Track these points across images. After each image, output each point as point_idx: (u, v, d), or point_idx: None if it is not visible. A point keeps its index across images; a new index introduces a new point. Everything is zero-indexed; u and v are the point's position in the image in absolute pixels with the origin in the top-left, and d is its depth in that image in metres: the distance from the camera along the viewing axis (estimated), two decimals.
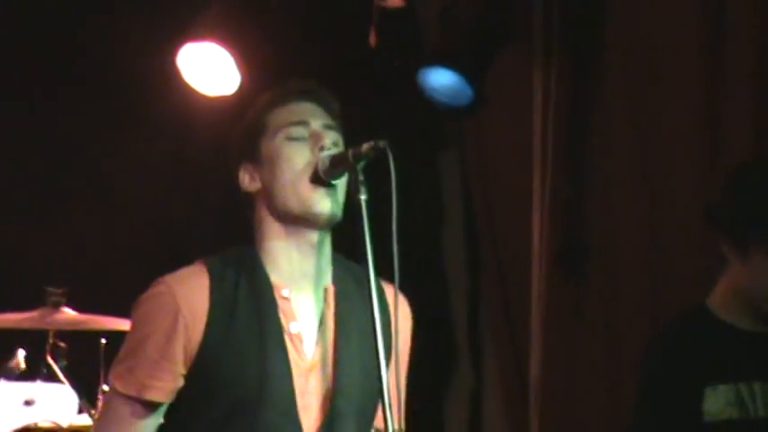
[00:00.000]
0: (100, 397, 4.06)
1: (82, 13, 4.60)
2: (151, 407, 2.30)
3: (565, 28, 4.43)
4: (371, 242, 2.26)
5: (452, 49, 4.41)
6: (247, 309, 2.34)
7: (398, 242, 2.27)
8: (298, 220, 2.34)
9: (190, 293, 2.30)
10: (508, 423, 4.69)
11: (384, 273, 2.34)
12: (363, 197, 2.26)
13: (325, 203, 2.31)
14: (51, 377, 4.13)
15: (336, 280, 2.43)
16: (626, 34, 4.30)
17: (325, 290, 2.41)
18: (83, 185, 4.74)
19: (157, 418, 2.32)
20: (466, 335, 4.93)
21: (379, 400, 2.28)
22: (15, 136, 4.66)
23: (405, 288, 2.37)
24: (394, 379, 2.33)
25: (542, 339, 4.45)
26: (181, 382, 2.29)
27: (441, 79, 4.40)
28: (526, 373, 4.57)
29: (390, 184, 2.25)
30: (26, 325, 4.25)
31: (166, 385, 2.27)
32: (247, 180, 2.40)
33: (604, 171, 4.47)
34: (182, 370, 2.28)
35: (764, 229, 3.08)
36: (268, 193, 2.36)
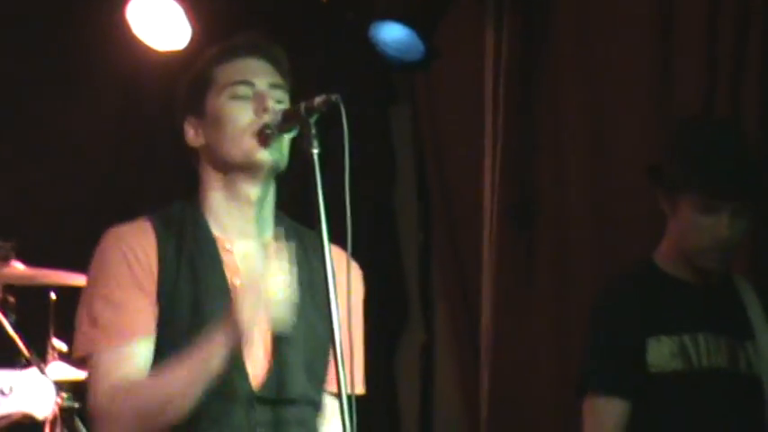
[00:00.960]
0: (49, 351, 4.08)
1: None
2: (142, 344, 2.35)
3: None
4: (323, 196, 2.28)
5: (404, 4, 4.41)
6: (192, 264, 2.39)
7: (350, 197, 2.31)
8: (239, 171, 2.38)
9: (139, 246, 2.36)
10: (460, 373, 4.79)
11: (336, 228, 2.36)
12: (315, 151, 2.28)
13: (267, 153, 2.35)
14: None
15: (278, 235, 2.45)
16: None
17: (267, 244, 2.44)
18: (31, 136, 4.72)
19: (150, 349, 2.37)
20: (417, 290, 5.01)
21: (329, 359, 2.34)
22: None
23: (357, 244, 2.38)
24: (347, 340, 2.36)
25: (493, 289, 4.54)
26: (155, 311, 2.35)
27: (392, 34, 4.42)
28: (477, 326, 4.66)
29: (342, 138, 2.27)
30: None
31: (146, 317, 2.33)
32: (192, 134, 2.43)
33: (554, 124, 4.56)
34: (152, 299, 2.35)
35: (690, 185, 3.21)
36: (211, 149, 2.39)
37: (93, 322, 2.37)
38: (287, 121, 2.33)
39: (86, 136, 4.66)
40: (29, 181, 4.62)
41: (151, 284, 2.39)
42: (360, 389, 2.51)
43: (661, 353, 3.29)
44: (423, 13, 4.39)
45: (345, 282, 2.40)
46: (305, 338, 2.43)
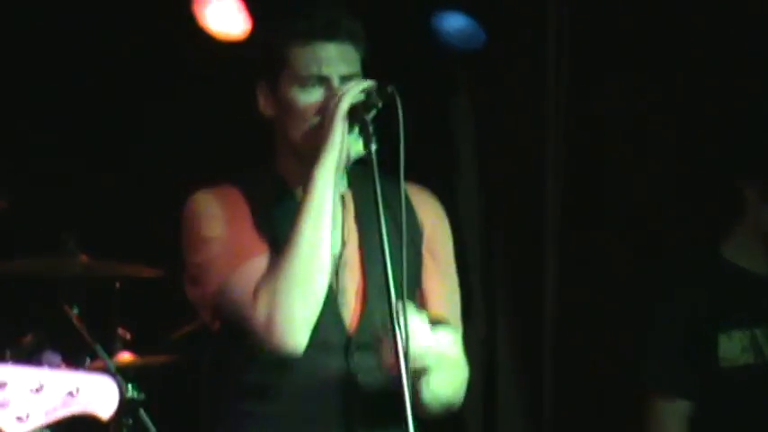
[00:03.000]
0: (116, 340, 4.16)
1: None
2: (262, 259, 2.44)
3: None
4: (381, 189, 2.36)
5: None
6: (276, 216, 2.48)
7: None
8: (308, 153, 2.46)
9: (229, 199, 2.49)
10: (522, 370, 4.85)
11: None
12: (374, 147, 2.36)
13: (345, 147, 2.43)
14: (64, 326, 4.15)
15: (353, 186, 2.56)
16: None
17: (343, 196, 2.53)
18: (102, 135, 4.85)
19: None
20: (479, 283, 5.02)
21: (417, 287, 2.49)
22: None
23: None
24: (434, 266, 2.57)
25: (554, 286, 4.62)
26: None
27: (454, 23, 4.54)
28: (540, 323, 4.73)
29: (399, 129, 2.34)
30: (40, 272, 4.34)
31: (254, 238, 2.45)
32: (263, 103, 2.51)
33: (620, 119, 4.63)
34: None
35: None
36: (280, 125, 2.50)
37: (212, 258, 2.45)
38: (356, 115, 2.39)
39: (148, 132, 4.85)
40: (94, 176, 4.80)
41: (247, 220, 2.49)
42: (456, 323, 2.59)
43: (733, 347, 3.37)
44: (485, 2, 4.52)
45: (429, 211, 2.62)
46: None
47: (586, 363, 4.55)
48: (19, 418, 1.94)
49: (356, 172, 2.56)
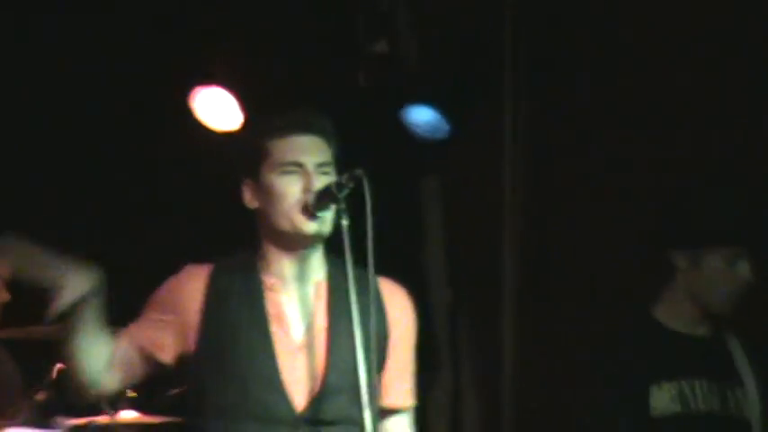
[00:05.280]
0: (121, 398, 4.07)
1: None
2: (128, 344, 2.61)
3: (532, 71, 4.71)
4: (353, 262, 2.45)
5: (433, 89, 4.70)
6: (238, 299, 2.56)
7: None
8: (289, 237, 2.54)
9: (191, 283, 2.59)
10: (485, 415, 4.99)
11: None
12: (345, 223, 2.44)
13: (313, 226, 2.51)
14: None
15: (329, 276, 2.60)
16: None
17: (317, 285, 2.58)
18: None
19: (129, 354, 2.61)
20: (446, 342, 5.12)
21: (378, 378, 2.52)
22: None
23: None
24: (395, 365, 2.60)
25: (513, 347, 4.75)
26: (175, 342, 2.57)
27: (422, 116, 4.74)
28: (499, 382, 4.87)
29: (366, 209, 2.41)
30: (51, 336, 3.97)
31: (154, 336, 2.58)
32: (248, 197, 2.61)
33: (569, 198, 4.79)
34: (177, 333, 2.57)
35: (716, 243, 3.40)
36: (264, 215, 2.57)
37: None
38: (320, 200, 2.50)
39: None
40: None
41: (193, 315, 2.56)
42: (411, 401, 2.67)
43: (662, 398, 3.44)
44: (449, 98, 4.67)
45: (399, 311, 2.63)
46: (353, 365, 2.47)
47: (544, 412, 4.65)
48: None
49: (334, 263, 2.59)
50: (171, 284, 2.63)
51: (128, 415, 4.08)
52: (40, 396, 4.20)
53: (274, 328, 2.54)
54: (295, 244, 2.58)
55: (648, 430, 3.44)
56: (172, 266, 2.75)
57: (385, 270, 2.58)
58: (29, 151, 4.87)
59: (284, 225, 2.54)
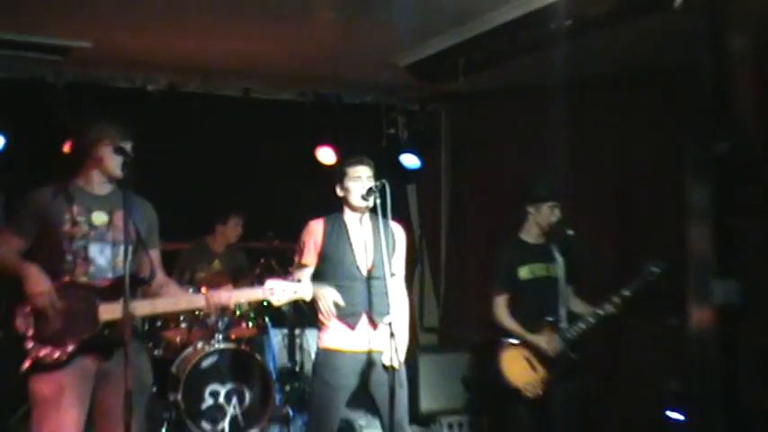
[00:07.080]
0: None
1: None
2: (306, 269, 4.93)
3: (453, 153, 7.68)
4: (382, 216, 4.68)
5: (412, 142, 8.16)
6: (337, 232, 4.93)
7: (393, 215, 4.77)
8: (355, 208, 4.96)
9: (316, 228, 4.93)
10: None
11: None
12: (379, 201, 4.64)
13: (365, 203, 4.83)
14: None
15: (372, 221, 4.91)
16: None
17: (366, 225, 4.90)
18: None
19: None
20: (419, 252, 8.38)
21: (390, 259, 4.68)
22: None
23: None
24: (398, 256, 4.93)
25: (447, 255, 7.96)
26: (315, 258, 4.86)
27: (408, 156, 8.30)
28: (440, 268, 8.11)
29: (386, 196, 4.64)
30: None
31: (311, 257, 4.96)
32: (338, 191, 4.98)
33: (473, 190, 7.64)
34: (314, 254, 4.85)
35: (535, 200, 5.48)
36: (346, 199, 4.98)
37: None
38: (368, 193, 4.81)
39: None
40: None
41: (318, 244, 4.84)
42: (404, 272, 5.10)
43: (524, 271, 5.61)
44: (420, 146, 8.14)
45: (399, 235, 4.96)
46: (382, 261, 4.76)
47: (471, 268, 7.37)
48: None
49: (374, 217, 4.65)
50: (309, 227, 4.95)
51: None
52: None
53: (352, 241, 4.93)
54: (358, 210, 4.95)
55: (518, 286, 5.64)
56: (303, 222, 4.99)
57: (393, 218, 4.78)
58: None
59: (354, 204, 4.94)
